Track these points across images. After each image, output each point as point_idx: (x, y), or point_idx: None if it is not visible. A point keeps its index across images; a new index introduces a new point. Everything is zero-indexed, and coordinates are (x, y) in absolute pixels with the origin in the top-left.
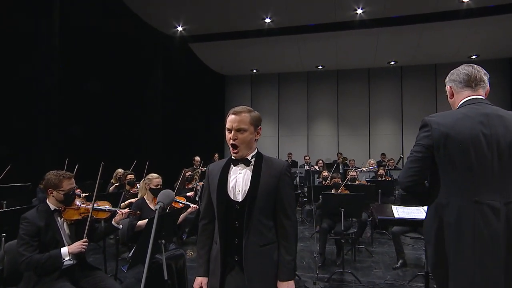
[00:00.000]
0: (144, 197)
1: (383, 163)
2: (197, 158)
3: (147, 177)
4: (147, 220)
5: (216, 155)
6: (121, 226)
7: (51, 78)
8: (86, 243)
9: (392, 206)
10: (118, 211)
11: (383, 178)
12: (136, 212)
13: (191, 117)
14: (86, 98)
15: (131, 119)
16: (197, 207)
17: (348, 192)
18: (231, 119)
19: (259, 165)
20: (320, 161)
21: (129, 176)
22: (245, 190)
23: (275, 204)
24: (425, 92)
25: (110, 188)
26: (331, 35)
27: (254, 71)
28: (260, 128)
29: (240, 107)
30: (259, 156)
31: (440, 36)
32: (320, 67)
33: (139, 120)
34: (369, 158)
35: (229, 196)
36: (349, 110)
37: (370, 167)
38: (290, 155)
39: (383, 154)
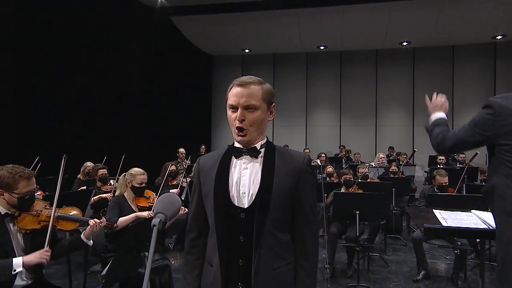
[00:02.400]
0: (124, 194)
1: (391, 158)
2: (182, 149)
3: (129, 172)
4: (128, 218)
5: (203, 146)
6: (91, 242)
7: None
8: (49, 254)
9: (435, 210)
10: (89, 222)
11: (396, 175)
12: (113, 225)
13: (174, 103)
14: (48, 78)
15: (103, 105)
16: (186, 209)
17: (362, 191)
18: (236, 93)
19: (271, 158)
20: (323, 155)
21: (100, 171)
22: (253, 193)
23: (293, 211)
24: (440, 78)
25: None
26: (336, 10)
27: (246, 51)
28: (273, 105)
29: (247, 77)
30: (270, 145)
31: (462, 12)
32: (322, 48)
33: (113, 106)
34: (375, 151)
35: (230, 201)
36: (354, 97)
37: (379, 162)
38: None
39: (391, 148)
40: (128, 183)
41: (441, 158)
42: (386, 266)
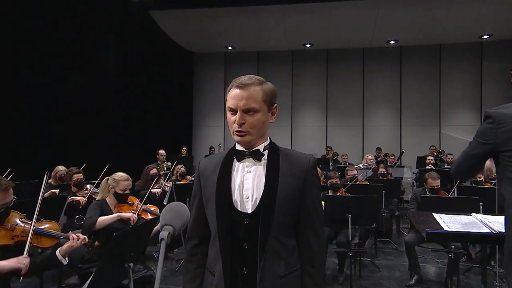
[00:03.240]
0: (106, 199)
1: (379, 159)
2: (162, 151)
3: (112, 176)
4: (110, 217)
5: (184, 147)
6: (66, 260)
7: None
8: (28, 260)
9: (434, 214)
10: (70, 236)
11: (385, 177)
12: (94, 243)
13: (153, 102)
14: (14, 76)
15: (76, 104)
16: None
17: (349, 195)
18: (235, 95)
19: (275, 161)
20: None
21: (76, 176)
22: (257, 197)
23: (298, 216)
24: (427, 77)
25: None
26: (324, 6)
27: (229, 48)
28: (276, 106)
29: (247, 77)
30: (273, 147)
31: (450, 11)
32: (308, 46)
33: (86, 106)
34: (363, 153)
35: (233, 206)
36: (340, 97)
37: (368, 163)
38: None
39: (378, 149)
40: (111, 188)
41: (430, 158)
42: (378, 271)
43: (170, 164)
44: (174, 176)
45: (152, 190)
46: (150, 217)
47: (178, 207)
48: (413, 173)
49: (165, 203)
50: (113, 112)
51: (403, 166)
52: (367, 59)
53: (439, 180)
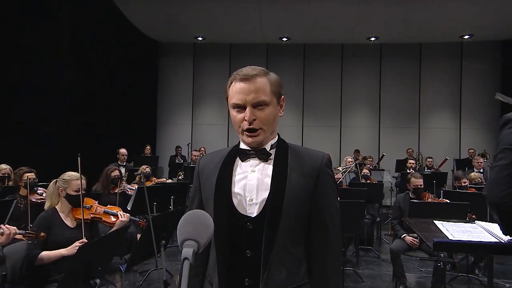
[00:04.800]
0: (56, 207)
1: (357, 162)
2: (123, 150)
3: (61, 177)
4: (61, 252)
5: (148, 146)
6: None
7: None
8: None
9: (435, 221)
10: (1, 227)
11: (368, 180)
12: (39, 234)
13: (113, 97)
14: None
15: (25, 98)
16: (143, 222)
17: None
18: (241, 89)
19: (284, 159)
20: None
21: (27, 175)
22: (262, 199)
23: (309, 222)
24: (407, 77)
25: None
26: None
27: (200, 38)
28: (283, 98)
29: (250, 68)
30: (282, 144)
31: (433, 9)
32: (284, 39)
33: (37, 99)
34: (340, 155)
35: (235, 209)
36: (317, 95)
37: (347, 166)
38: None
39: (356, 151)
40: (61, 191)
41: (411, 162)
42: (361, 282)
43: (133, 164)
44: (137, 179)
45: (128, 187)
46: (113, 219)
47: (199, 217)
48: (393, 176)
49: (128, 208)
50: (66, 107)
51: (383, 170)
52: (346, 56)
53: (422, 179)
